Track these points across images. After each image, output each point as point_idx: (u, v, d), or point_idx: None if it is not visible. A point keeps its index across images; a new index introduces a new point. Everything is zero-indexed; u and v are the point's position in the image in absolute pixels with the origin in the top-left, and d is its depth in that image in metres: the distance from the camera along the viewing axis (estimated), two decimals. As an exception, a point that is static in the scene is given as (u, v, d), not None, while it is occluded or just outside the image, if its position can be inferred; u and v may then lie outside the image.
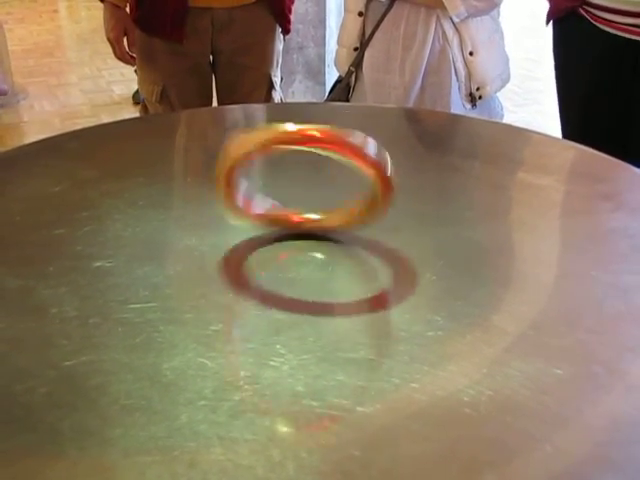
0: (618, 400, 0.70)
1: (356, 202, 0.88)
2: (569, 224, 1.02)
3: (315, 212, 0.93)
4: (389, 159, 0.85)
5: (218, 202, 0.89)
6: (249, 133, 0.87)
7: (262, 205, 0.92)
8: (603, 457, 0.64)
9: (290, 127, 0.84)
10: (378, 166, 0.84)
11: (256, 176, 1.02)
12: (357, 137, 0.84)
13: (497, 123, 1.61)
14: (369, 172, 0.84)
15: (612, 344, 0.77)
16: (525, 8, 5.50)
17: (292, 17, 2.00)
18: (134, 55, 1.97)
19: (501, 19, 1.82)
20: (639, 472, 0.61)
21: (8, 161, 1.16)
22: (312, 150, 0.84)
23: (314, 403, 0.67)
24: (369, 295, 0.84)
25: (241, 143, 0.86)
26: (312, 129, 0.83)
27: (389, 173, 0.84)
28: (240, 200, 0.89)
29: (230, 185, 0.87)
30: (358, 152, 0.83)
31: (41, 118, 3.85)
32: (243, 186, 0.88)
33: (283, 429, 0.64)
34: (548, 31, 1.80)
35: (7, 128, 3.73)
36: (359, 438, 0.63)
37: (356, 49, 1.76)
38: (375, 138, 1.01)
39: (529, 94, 4.07)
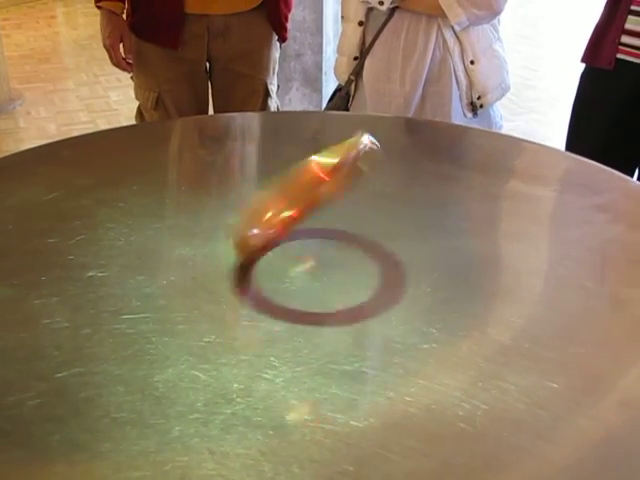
0: (613, 415, 0.69)
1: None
2: (565, 235, 1.01)
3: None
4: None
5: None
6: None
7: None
8: (599, 472, 0.63)
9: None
10: None
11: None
12: None
13: (496, 133, 1.61)
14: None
15: (608, 358, 0.76)
16: (520, 15, 5.51)
17: (289, 25, 2.00)
18: (131, 62, 1.96)
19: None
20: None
21: (2, 169, 1.15)
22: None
23: (307, 417, 0.66)
24: (363, 306, 0.83)
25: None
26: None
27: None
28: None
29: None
30: None
31: (37, 124, 3.83)
32: None
33: (275, 443, 0.63)
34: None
35: (3, 134, 3.72)
36: (353, 453, 0.62)
37: (356, 58, 1.75)
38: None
39: (525, 102, 4.06)
